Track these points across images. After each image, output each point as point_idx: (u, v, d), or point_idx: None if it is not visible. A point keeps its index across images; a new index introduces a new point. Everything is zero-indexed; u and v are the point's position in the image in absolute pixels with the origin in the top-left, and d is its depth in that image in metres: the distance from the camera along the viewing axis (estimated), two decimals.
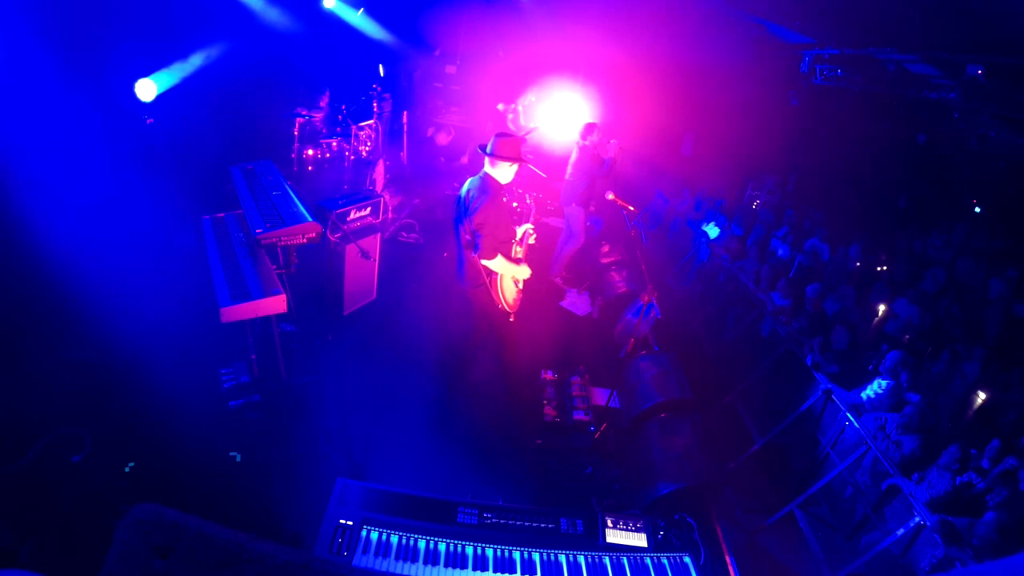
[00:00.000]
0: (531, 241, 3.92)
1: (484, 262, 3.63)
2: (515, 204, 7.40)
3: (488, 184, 3.65)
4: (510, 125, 8.23)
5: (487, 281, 3.75)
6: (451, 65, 9.94)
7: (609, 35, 8.68)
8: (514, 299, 3.90)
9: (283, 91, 7.26)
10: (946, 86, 5.77)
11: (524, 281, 3.95)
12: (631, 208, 5.25)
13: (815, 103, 8.46)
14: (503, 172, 3.69)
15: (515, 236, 3.83)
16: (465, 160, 9.31)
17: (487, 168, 3.70)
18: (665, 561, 2.46)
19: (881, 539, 3.49)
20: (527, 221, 3.98)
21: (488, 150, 3.67)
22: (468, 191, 3.70)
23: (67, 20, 4.90)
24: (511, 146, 3.66)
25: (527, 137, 7.67)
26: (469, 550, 2.29)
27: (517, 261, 3.81)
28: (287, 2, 7.05)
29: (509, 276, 3.81)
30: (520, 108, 8.47)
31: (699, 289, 7.05)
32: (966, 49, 4.96)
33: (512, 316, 3.90)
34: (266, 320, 3.96)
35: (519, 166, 3.75)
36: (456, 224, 3.81)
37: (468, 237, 3.67)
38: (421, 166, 9.11)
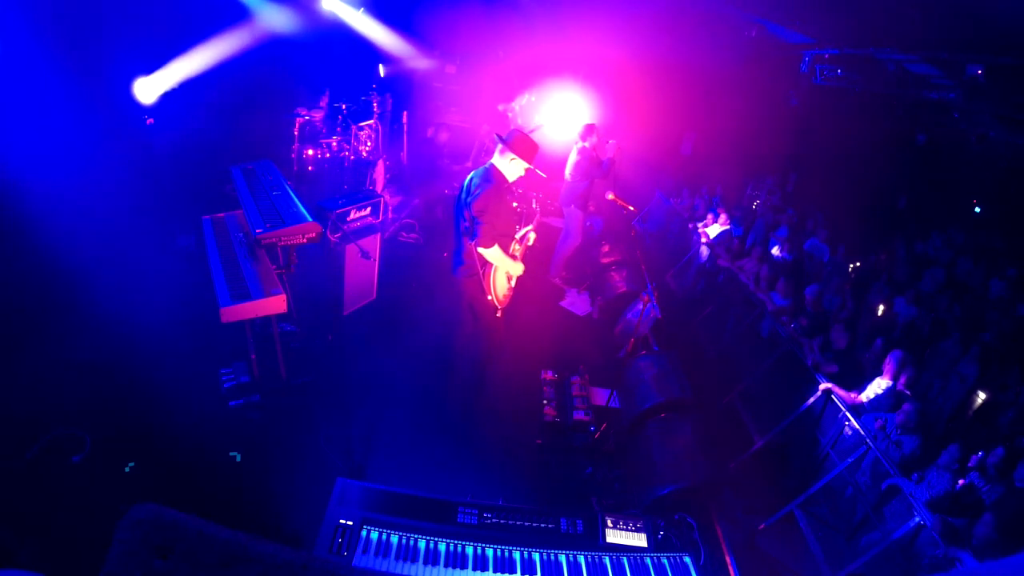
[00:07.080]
0: (530, 242, 3.89)
1: (481, 250, 3.60)
2: (515, 204, 7.40)
3: (492, 175, 3.64)
4: (511, 125, 8.22)
5: (480, 272, 3.71)
6: (451, 65, 9.94)
7: (609, 35, 8.68)
8: (504, 294, 3.85)
9: (283, 91, 7.26)
10: (946, 86, 5.77)
11: (517, 279, 3.91)
12: (631, 208, 5.26)
13: (815, 103, 8.47)
14: (511, 167, 3.65)
15: (515, 233, 3.81)
16: (469, 164, 9.30)
17: (495, 159, 3.68)
18: (665, 561, 2.45)
19: (881, 539, 3.49)
20: (530, 223, 3.96)
21: (505, 138, 3.63)
22: (471, 179, 3.70)
23: (66, 21, 4.91)
24: (529, 146, 3.64)
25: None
26: (469, 550, 2.29)
27: (513, 257, 3.77)
28: (287, 2, 7.06)
29: (503, 270, 3.77)
30: (519, 107, 8.46)
31: (699, 289, 7.05)
32: (966, 49, 4.96)
33: (499, 311, 3.84)
34: (266, 320, 3.96)
35: (526, 171, 3.71)
36: (457, 212, 3.78)
37: (467, 224, 3.65)
38: (421, 166, 9.11)
